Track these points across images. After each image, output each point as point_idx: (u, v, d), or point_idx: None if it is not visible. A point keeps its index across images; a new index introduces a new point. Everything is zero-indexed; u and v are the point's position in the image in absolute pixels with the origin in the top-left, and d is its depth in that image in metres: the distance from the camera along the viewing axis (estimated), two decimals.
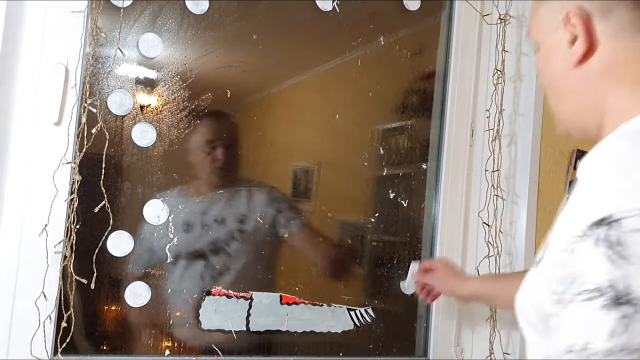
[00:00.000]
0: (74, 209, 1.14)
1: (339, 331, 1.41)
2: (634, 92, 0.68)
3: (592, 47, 0.69)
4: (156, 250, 1.27)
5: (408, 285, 1.36)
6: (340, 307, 1.41)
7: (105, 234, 1.18)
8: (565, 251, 0.57)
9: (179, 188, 1.31)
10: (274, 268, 1.40)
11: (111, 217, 1.16)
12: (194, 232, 1.31)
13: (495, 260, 1.48)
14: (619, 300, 0.52)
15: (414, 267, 1.35)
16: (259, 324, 1.34)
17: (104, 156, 1.18)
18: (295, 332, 1.37)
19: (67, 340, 1.11)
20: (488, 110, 1.52)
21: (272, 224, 1.39)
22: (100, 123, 1.16)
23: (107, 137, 1.19)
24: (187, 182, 1.33)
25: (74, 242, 1.13)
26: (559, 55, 0.73)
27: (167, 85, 1.28)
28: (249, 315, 1.33)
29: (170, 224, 1.27)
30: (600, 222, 0.55)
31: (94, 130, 1.15)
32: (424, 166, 1.53)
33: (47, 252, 1.11)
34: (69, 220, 1.14)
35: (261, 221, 1.37)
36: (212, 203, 1.35)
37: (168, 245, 1.27)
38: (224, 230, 1.34)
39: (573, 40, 0.70)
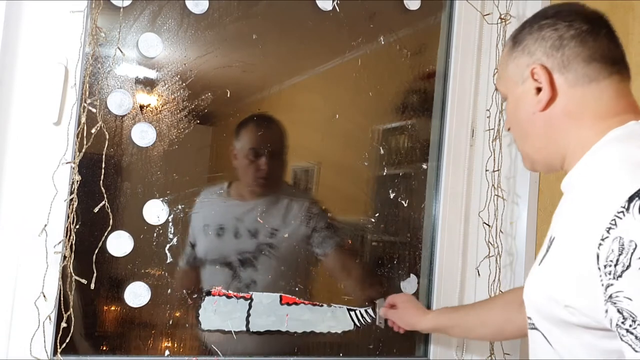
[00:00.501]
0: (74, 209, 1.14)
1: (339, 331, 1.40)
2: (592, 127, 0.83)
3: (554, 96, 0.85)
4: (156, 250, 1.27)
5: (379, 322, 1.42)
6: (340, 307, 1.41)
7: (105, 234, 1.18)
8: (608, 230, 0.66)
9: (218, 187, 1.33)
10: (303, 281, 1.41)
11: (111, 217, 1.16)
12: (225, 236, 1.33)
13: (496, 260, 1.48)
14: None
15: (380, 303, 1.41)
16: (259, 324, 1.33)
17: (103, 156, 1.18)
18: (295, 332, 1.37)
19: (67, 341, 1.11)
20: (488, 110, 1.52)
21: (304, 241, 1.40)
22: (100, 123, 1.16)
23: (107, 137, 1.19)
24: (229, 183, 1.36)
25: (74, 242, 1.13)
26: (526, 103, 0.89)
27: (166, 85, 1.28)
28: (248, 315, 1.33)
29: (170, 224, 1.27)
30: (636, 195, 0.66)
31: (93, 130, 1.15)
32: (424, 166, 1.53)
33: (46, 252, 1.11)
34: (69, 220, 1.14)
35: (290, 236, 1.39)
36: (250, 209, 1.36)
37: (168, 246, 1.27)
38: (254, 241, 1.35)
39: (538, 91, 0.86)
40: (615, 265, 0.64)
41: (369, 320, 1.42)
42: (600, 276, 0.66)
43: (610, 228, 0.66)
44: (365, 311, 1.42)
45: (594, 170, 0.76)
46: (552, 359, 0.78)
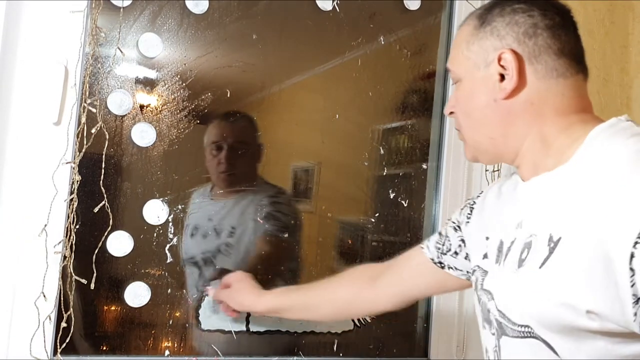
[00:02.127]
0: (74, 209, 1.14)
1: (339, 331, 1.40)
2: (554, 122, 0.80)
3: (520, 85, 0.80)
4: (156, 250, 1.27)
5: (210, 308, 1.29)
6: None
7: (105, 234, 1.18)
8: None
9: (204, 188, 1.33)
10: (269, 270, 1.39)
11: (111, 217, 1.16)
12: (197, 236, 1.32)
13: None
14: None
15: (214, 284, 1.29)
16: (259, 324, 1.33)
17: (103, 156, 1.18)
18: (295, 332, 1.37)
19: (67, 341, 1.12)
20: None
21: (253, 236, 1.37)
22: (100, 123, 1.16)
23: (107, 137, 1.19)
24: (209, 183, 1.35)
25: (74, 242, 1.13)
26: (486, 89, 0.83)
27: (166, 85, 1.28)
28: (248, 315, 1.33)
29: (170, 224, 1.27)
30: None
31: (93, 130, 1.15)
32: (424, 166, 1.53)
33: (46, 252, 1.11)
34: (69, 220, 1.14)
35: (260, 221, 1.37)
36: (220, 208, 1.35)
37: (168, 245, 1.27)
38: (217, 241, 1.34)
39: (502, 78, 0.81)
40: None
41: (369, 320, 1.40)
42: (633, 277, 0.61)
43: None
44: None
45: (607, 167, 0.69)
46: None
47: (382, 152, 1.49)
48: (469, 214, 1.02)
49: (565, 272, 0.68)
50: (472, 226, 1.00)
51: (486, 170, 1.51)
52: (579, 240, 0.67)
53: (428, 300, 1.50)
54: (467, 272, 1.04)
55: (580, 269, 0.66)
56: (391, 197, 1.49)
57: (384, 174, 1.49)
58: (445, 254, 1.05)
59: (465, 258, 1.03)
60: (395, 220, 1.50)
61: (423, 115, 1.53)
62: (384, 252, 1.49)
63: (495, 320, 0.81)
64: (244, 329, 1.32)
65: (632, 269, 0.61)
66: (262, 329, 1.34)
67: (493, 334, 0.82)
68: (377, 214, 1.48)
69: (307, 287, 1.26)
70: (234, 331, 1.31)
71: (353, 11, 1.43)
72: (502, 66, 0.81)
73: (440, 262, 1.06)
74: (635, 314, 0.61)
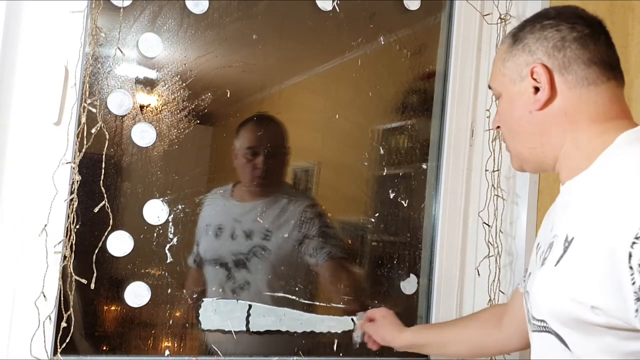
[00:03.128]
0: (74, 209, 1.14)
1: (339, 331, 1.40)
2: (588, 129, 0.84)
3: (552, 96, 0.85)
4: (156, 250, 1.27)
5: (357, 335, 1.38)
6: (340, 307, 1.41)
7: (105, 234, 1.18)
8: None
9: (223, 187, 1.34)
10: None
11: (111, 217, 1.16)
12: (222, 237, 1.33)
13: (496, 260, 1.48)
14: None
15: (360, 316, 1.38)
16: (258, 324, 1.33)
17: (103, 156, 1.18)
18: (295, 332, 1.37)
19: (67, 341, 1.11)
20: (488, 110, 1.52)
21: (296, 245, 1.39)
22: (100, 123, 1.16)
23: (107, 137, 1.19)
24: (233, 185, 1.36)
25: (74, 242, 1.13)
26: (523, 102, 0.89)
27: (166, 85, 1.28)
28: (248, 315, 1.33)
29: (170, 224, 1.27)
30: None
31: (93, 130, 1.15)
32: (424, 166, 1.53)
33: (46, 252, 1.11)
34: (69, 220, 1.14)
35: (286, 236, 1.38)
36: (249, 210, 1.36)
37: (168, 245, 1.27)
38: (249, 243, 1.35)
39: (536, 90, 0.87)
40: None
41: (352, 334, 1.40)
42: (633, 275, 0.65)
43: None
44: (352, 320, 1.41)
45: (619, 171, 0.75)
46: None
47: (382, 152, 1.49)
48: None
49: (574, 270, 0.73)
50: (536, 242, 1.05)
51: (486, 170, 1.51)
52: (588, 240, 0.72)
53: (427, 301, 1.50)
54: None
55: (587, 267, 0.71)
56: (391, 197, 1.49)
57: (384, 174, 1.49)
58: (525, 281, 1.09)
59: None
60: (395, 220, 1.50)
61: (423, 115, 1.53)
62: (384, 252, 1.49)
63: (529, 318, 0.88)
64: (244, 329, 1.32)
65: (631, 267, 0.65)
66: (262, 329, 1.34)
67: (529, 334, 0.89)
68: (377, 214, 1.48)
69: (441, 325, 1.34)
70: (234, 331, 1.31)
71: (353, 11, 1.43)
72: (535, 79, 0.86)
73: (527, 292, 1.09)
74: (637, 311, 0.65)
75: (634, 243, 0.65)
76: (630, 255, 0.65)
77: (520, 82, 0.89)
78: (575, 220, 0.78)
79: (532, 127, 0.88)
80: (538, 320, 0.82)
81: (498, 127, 0.98)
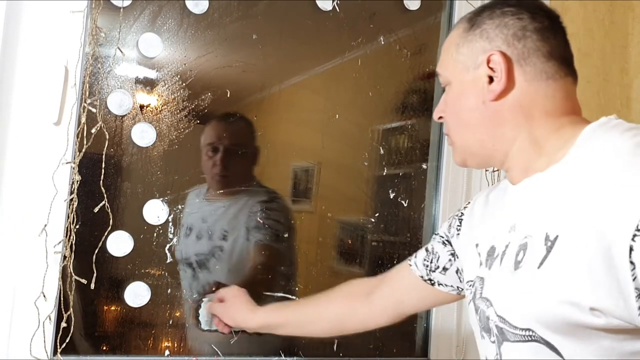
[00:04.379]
0: (74, 209, 1.14)
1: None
2: (543, 124, 0.80)
3: (508, 87, 0.81)
4: (156, 250, 1.27)
5: (204, 321, 1.29)
6: None
7: (105, 234, 1.18)
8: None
9: (198, 189, 1.33)
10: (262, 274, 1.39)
11: (111, 217, 1.16)
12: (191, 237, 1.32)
13: None
14: None
15: (210, 298, 1.29)
16: None
17: (103, 156, 1.18)
18: None
19: (67, 341, 1.11)
20: None
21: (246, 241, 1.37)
22: (100, 123, 1.16)
23: (107, 137, 1.19)
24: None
25: (74, 242, 1.13)
26: (475, 91, 0.83)
27: (166, 85, 1.28)
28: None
29: (170, 224, 1.27)
30: None
31: (93, 130, 1.15)
32: (424, 166, 1.53)
33: (46, 252, 1.11)
34: (69, 220, 1.14)
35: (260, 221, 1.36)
36: (214, 210, 1.35)
37: (168, 245, 1.27)
38: (210, 243, 1.34)
39: (491, 80, 0.81)
40: None
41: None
42: (634, 270, 0.60)
43: None
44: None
45: (603, 162, 0.69)
46: None
47: (382, 152, 1.49)
48: (458, 226, 1.02)
49: (566, 270, 0.67)
50: (462, 238, 1.00)
51: (486, 170, 1.51)
52: (578, 237, 0.66)
53: None
54: (458, 287, 1.05)
55: (581, 266, 0.65)
56: (391, 197, 1.49)
57: (384, 174, 1.49)
58: (434, 271, 1.05)
59: (457, 272, 1.03)
60: (395, 220, 1.50)
61: (423, 115, 1.54)
62: (384, 252, 1.49)
63: (495, 327, 0.79)
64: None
65: (632, 262, 0.60)
66: None
67: (493, 342, 0.80)
68: (377, 214, 1.48)
69: (300, 302, 1.26)
70: (234, 331, 1.31)
71: (353, 11, 1.43)
72: (491, 68, 0.81)
73: (430, 279, 1.06)
74: None
75: (635, 235, 0.60)
76: (631, 249, 0.60)
77: (475, 70, 0.83)
78: (553, 218, 0.71)
79: (484, 118, 0.83)
80: (521, 329, 0.74)
81: (440, 117, 0.92)
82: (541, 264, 0.70)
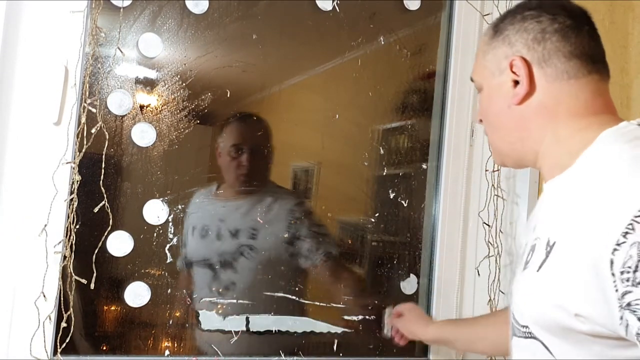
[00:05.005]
0: (74, 209, 1.14)
1: (339, 331, 1.40)
2: (568, 124, 0.82)
3: (531, 90, 0.83)
4: (156, 250, 1.27)
5: (386, 330, 1.41)
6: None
7: (105, 234, 1.18)
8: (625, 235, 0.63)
9: (208, 189, 1.33)
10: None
11: (111, 217, 1.16)
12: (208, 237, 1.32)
13: (496, 260, 1.48)
14: None
15: (388, 312, 1.41)
16: (258, 324, 1.33)
17: (103, 156, 1.18)
18: (295, 332, 1.37)
19: (67, 341, 1.11)
20: None
21: (285, 245, 1.38)
22: (100, 123, 1.16)
23: (107, 137, 1.19)
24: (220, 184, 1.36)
25: (74, 242, 1.13)
26: (502, 95, 0.86)
27: (166, 85, 1.28)
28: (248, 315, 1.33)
29: (170, 224, 1.27)
30: None
31: (93, 130, 1.15)
32: (424, 166, 1.53)
33: (46, 252, 1.11)
34: (69, 220, 1.14)
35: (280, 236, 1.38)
36: (234, 209, 1.36)
37: (168, 245, 1.27)
38: (235, 243, 1.34)
39: (515, 84, 0.84)
40: (635, 272, 0.61)
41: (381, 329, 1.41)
42: (615, 282, 0.62)
43: (627, 233, 0.62)
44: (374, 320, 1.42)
45: (600, 172, 0.71)
46: None
47: (382, 152, 1.48)
48: None
49: (557, 276, 0.70)
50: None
51: (486, 170, 1.51)
52: (570, 245, 0.69)
53: (428, 301, 1.50)
54: None
55: (570, 273, 0.68)
56: (391, 197, 1.49)
57: (384, 174, 1.49)
58: None
59: None
60: (395, 220, 1.50)
61: (423, 115, 1.53)
62: (384, 252, 1.49)
63: (511, 323, 0.84)
64: (244, 329, 1.32)
65: (613, 274, 0.63)
66: (262, 329, 1.34)
67: (511, 339, 0.85)
68: (377, 214, 1.48)
69: (466, 322, 1.35)
70: (234, 331, 1.31)
71: (353, 11, 1.43)
72: (514, 73, 0.84)
73: None
74: (621, 318, 0.63)
75: (614, 250, 0.63)
76: (612, 262, 0.63)
77: (500, 74, 0.86)
78: (555, 223, 0.75)
79: (512, 121, 0.86)
80: (522, 325, 0.79)
81: (480, 120, 0.95)
82: (540, 267, 0.74)
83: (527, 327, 0.78)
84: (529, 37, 0.83)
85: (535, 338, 0.76)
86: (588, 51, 0.83)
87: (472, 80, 0.96)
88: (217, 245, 1.33)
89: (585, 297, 0.66)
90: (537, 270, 0.74)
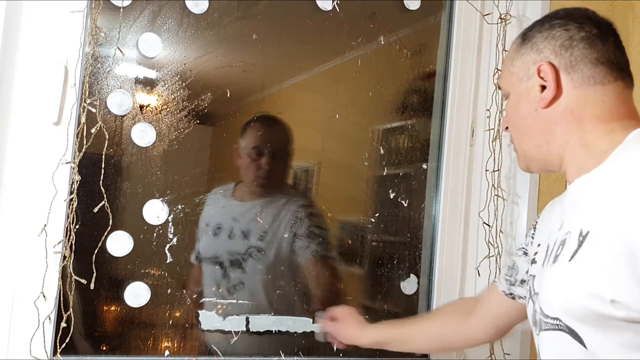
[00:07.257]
0: (74, 209, 1.14)
1: (299, 331, 1.39)
2: (594, 129, 0.85)
3: (558, 94, 0.86)
4: (156, 250, 1.27)
5: (319, 335, 1.38)
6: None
7: (105, 234, 1.18)
8: None
9: (224, 186, 1.34)
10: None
11: (111, 217, 1.16)
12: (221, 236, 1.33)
13: (496, 260, 1.48)
14: None
15: (320, 316, 1.37)
16: (258, 324, 1.33)
17: (103, 156, 1.18)
18: (295, 332, 1.37)
19: (67, 341, 1.11)
20: (488, 110, 1.52)
21: (288, 245, 1.39)
22: (100, 123, 1.16)
23: (107, 137, 1.19)
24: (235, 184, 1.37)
25: (74, 242, 1.13)
26: (529, 100, 0.90)
27: (166, 85, 1.28)
28: (248, 315, 1.33)
29: (170, 224, 1.27)
30: None
31: (93, 130, 1.15)
32: (424, 166, 1.53)
33: (46, 252, 1.11)
34: (69, 220, 1.14)
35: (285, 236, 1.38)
36: (247, 210, 1.36)
37: (168, 246, 1.27)
38: (245, 243, 1.35)
39: (542, 89, 0.88)
40: None
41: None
42: None
43: None
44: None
45: (633, 168, 0.75)
46: (584, 359, 0.76)
47: (382, 152, 1.48)
48: (533, 233, 1.06)
49: (591, 263, 0.73)
50: (534, 243, 1.03)
51: (486, 170, 1.51)
52: (606, 234, 0.72)
53: (428, 301, 1.50)
54: None
55: (605, 260, 0.71)
56: (391, 197, 1.49)
57: (384, 174, 1.49)
58: (514, 284, 1.09)
59: None
60: (395, 220, 1.50)
61: (423, 115, 1.53)
62: (384, 252, 1.49)
63: (538, 319, 0.86)
64: (244, 329, 1.32)
65: None
66: (262, 329, 1.34)
67: (537, 335, 0.87)
68: (377, 214, 1.48)
69: (405, 322, 1.32)
70: (234, 331, 1.31)
71: (353, 11, 1.43)
72: (541, 77, 0.87)
73: (511, 294, 1.10)
74: None
75: None
76: None
77: (527, 80, 0.90)
78: (588, 215, 0.78)
79: (538, 125, 0.89)
80: (552, 318, 0.81)
81: (507, 127, 0.98)
82: (572, 257, 0.77)
83: (557, 318, 0.80)
84: (556, 44, 0.87)
85: (565, 330, 0.78)
86: (614, 59, 0.86)
87: (498, 88, 1.01)
88: (228, 245, 1.33)
89: (620, 282, 0.69)
90: (569, 260, 0.77)
